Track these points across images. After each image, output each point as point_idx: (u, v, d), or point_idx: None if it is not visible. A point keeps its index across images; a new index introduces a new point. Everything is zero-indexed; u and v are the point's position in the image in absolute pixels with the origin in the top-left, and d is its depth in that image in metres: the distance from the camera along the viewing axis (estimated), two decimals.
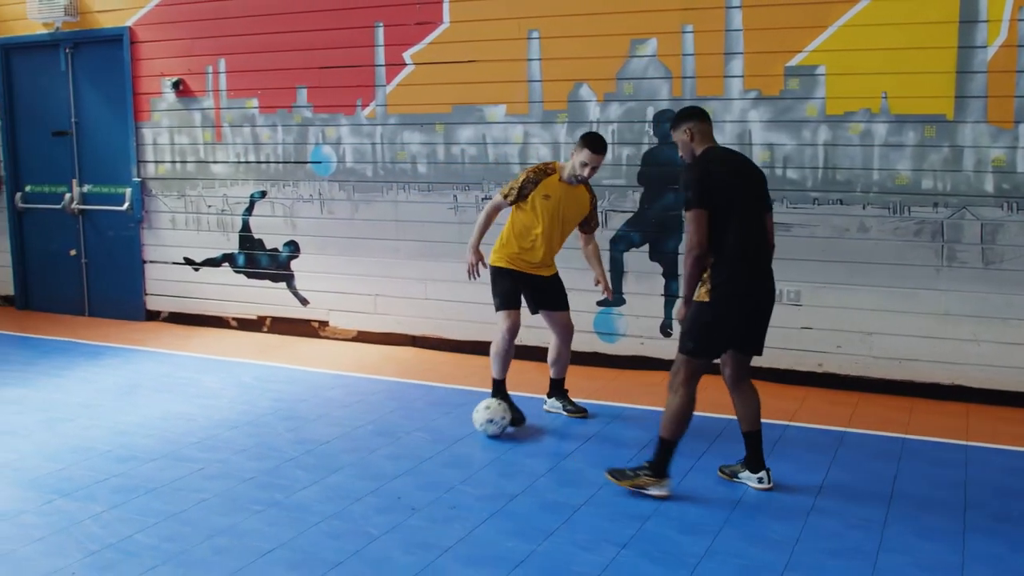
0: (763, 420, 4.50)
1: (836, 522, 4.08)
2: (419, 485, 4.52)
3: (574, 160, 5.11)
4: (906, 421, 5.46)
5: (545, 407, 5.66)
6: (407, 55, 7.08)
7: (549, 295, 5.43)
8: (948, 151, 5.70)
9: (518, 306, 5.34)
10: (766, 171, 6.02)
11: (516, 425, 5.31)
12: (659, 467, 4.32)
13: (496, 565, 3.67)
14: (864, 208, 5.91)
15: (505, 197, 5.30)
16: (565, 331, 5.48)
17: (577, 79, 6.57)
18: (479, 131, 6.93)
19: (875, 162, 5.85)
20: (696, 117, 4.44)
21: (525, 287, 5.37)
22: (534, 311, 5.50)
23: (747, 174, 4.39)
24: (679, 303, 4.35)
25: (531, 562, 3.71)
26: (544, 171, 5.22)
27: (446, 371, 6.69)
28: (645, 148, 6.46)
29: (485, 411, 5.18)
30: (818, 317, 6.11)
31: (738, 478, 4.53)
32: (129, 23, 8.08)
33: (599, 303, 6.62)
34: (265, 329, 7.98)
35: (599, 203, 6.00)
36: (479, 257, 5.35)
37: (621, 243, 6.60)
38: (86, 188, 8.60)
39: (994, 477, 4.63)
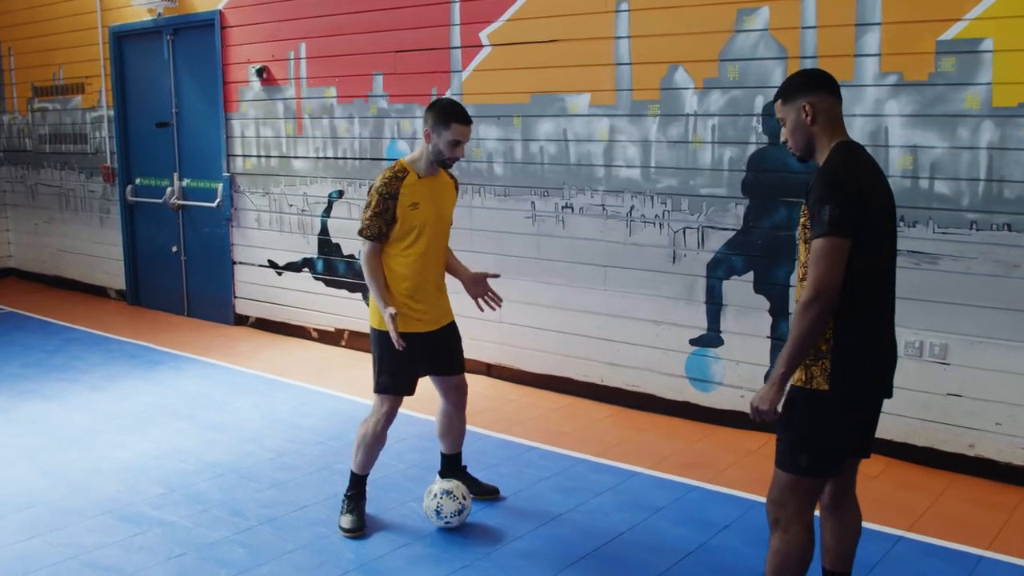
0: (873, 525, 3.13)
1: None
2: None
3: (436, 143, 3.84)
4: None
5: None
6: (484, 35, 6.02)
7: (446, 356, 4.12)
8: None
9: (405, 393, 3.99)
10: (907, 182, 4.57)
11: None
12: None
13: None
14: None
15: (370, 237, 3.87)
16: (459, 395, 4.19)
17: (672, 61, 5.26)
18: (559, 125, 5.77)
19: None
20: (820, 88, 2.86)
21: (421, 350, 3.98)
22: (424, 374, 4.08)
23: (883, 188, 2.86)
24: (769, 386, 2.75)
25: None
26: (396, 177, 3.85)
27: (509, 411, 5.63)
28: (752, 149, 5.06)
29: (433, 500, 3.99)
30: (972, 382, 4.50)
31: None
32: (220, 7, 7.54)
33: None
34: (343, 343, 7.22)
35: None
36: (394, 318, 3.78)
37: (720, 269, 5.25)
38: (185, 182, 8.21)
39: None
